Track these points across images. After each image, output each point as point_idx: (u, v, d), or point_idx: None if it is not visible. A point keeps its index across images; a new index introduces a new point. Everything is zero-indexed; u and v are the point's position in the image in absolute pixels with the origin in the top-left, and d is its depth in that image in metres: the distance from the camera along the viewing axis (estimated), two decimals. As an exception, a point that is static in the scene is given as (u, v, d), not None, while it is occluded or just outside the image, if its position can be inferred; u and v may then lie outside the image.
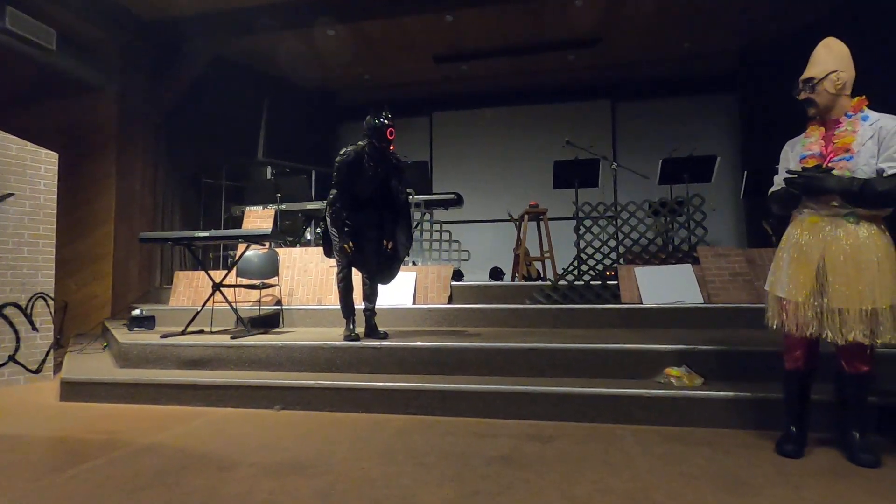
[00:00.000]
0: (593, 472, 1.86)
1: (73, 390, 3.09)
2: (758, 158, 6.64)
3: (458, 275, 5.56)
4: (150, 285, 6.00)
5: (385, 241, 3.35)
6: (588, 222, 4.64)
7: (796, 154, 2.03)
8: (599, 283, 4.32)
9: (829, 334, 1.85)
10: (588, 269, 4.53)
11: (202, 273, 4.38)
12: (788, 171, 1.98)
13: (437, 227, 5.47)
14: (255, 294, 4.38)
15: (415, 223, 5.52)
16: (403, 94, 8.33)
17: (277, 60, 7.13)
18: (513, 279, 5.59)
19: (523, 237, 5.43)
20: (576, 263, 4.57)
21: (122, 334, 3.96)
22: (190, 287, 4.97)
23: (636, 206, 4.63)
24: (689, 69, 7.57)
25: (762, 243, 5.54)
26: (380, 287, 3.55)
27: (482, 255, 6.85)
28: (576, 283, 4.36)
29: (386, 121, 3.15)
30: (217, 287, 3.87)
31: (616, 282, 4.26)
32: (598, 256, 4.59)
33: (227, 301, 3.90)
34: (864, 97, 1.94)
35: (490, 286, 4.70)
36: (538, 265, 5.72)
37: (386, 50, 7.00)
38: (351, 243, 3.24)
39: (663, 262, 4.40)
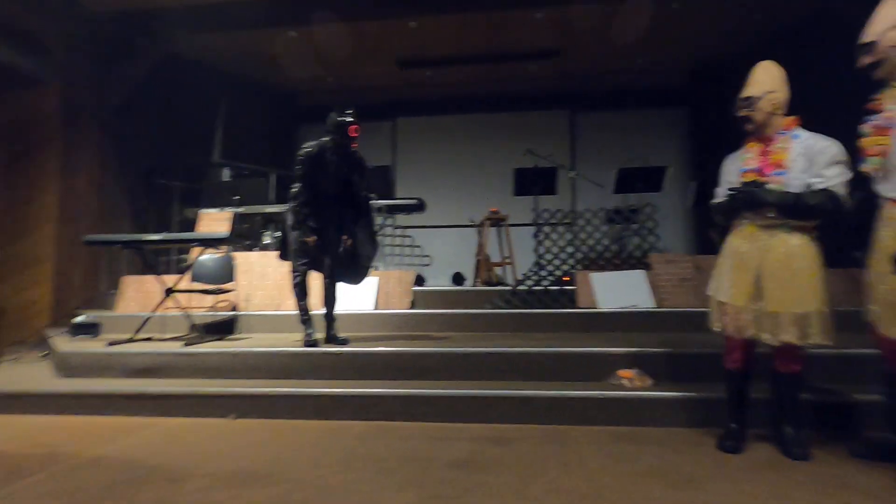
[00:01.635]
0: (549, 472, 1.91)
1: (8, 402, 2.89)
2: (707, 170, 7.00)
3: (420, 280, 5.58)
4: (94, 291, 5.69)
5: (344, 238, 3.33)
6: (547, 229, 4.75)
7: (736, 168, 2.17)
8: (557, 288, 4.44)
9: (765, 336, 1.99)
10: (547, 275, 4.64)
11: (151, 278, 4.21)
12: (730, 187, 2.11)
13: (398, 232, 5.47)
14: (209, 300, 4.24)
15: (377, 228, 5.49)
16: (367, 98, 8.28)
17: (236, 60, 6.94)
18: (474, 284, 5.65)
19: (484, 243, 5.50)
20: (535, 269, 4.67)
21: (63, 342, 3.75)
22: (139, 292, 4.75)
23: (592, 214, 4.78)
24: (643, 83, 7.89)
25: (709, 250, 5.84)
26: (341, 292, 3.53)
27: (444, 260, 6.89)
28: (535, 288, 4.46)
29: (349, 118, 3.16)
30: (169, 292, 3.73)
31: (573, 287, 4.39)
32: (557, 262, 4.71)
33: (179, 307, 3.76)
34: (796, 117, 2.10)
35: (452, 291, 4.74)
36: (499, 270, 5.81)
37: (349, 53, 6.95)
38: (314, 237, 3.20)
39: (617, 267, 4.57)
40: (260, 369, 3.07)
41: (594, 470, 1.93)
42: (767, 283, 2.00)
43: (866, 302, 1.92)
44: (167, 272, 5.71)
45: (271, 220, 6.09)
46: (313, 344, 3.18)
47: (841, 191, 1.94)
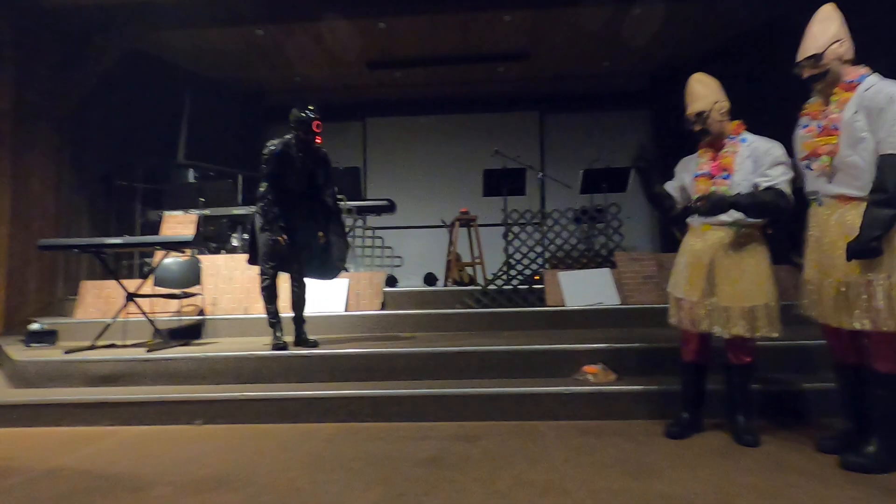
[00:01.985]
0: (515, 467, 1.96)
1: (-43, 415, 2.77)
2: (668, 170, 7.23)
3: (392, 281, 5.58)
4: (51, 297, 5.46)
5: (320, 234, 3.35)
6: (516, 229, 4.83)
7: (690, 172, 2.28)
8: (526, 287, 4.52)
9: (717, 329, 2.10)
10: (516, 274, 4.71)
11: (113, 283, 4.08)
12: (692, 200, 2.21)
13: (369, 233, 5.46)
14: (174, 304, 4.14)
15: (347, 229, 5.47)
16: (336, 97, 8.21)
17: (201, 57, 6.78)
18: (445, 284, 5.68)
19: (455, 243, 5.55)
20: (505, 268, 4.74)
21: (17, 351, 3.59)
22: (99, 298, 4.60)
23: (560, 214, 4.89)
24: (609, 86, 8.09)
25: (671, 248, 6.04)
26: (311, 293, 3.50)
27: (416, 260, 6.90)
28: (504, 287, 4.53)
29: (312, 113, 3.18)
30: (131, 297, 3.63)
31: (542, 286, 4.47)
32: (526, 262, 4.79)
33: (142, 312, 3.66)
34: (741, 122, 2.22)
35: (423, 291, 4.76)
36: (470, 270, 5.87)
37: (318, 52, 6.88)
38: (284, 236, 3.17)
39: (584, 266, 4.68)
40: (227, 374, 3.03)
41: (559, 463, 1.99)
42: (719, 279, 2.11)
43: (802, 297, 2.02)
44: (130, 277, 5.55)
45: (238, 223, 5.99)
46: (282, 347, 3.15)
47: (786, 189, 2.06)
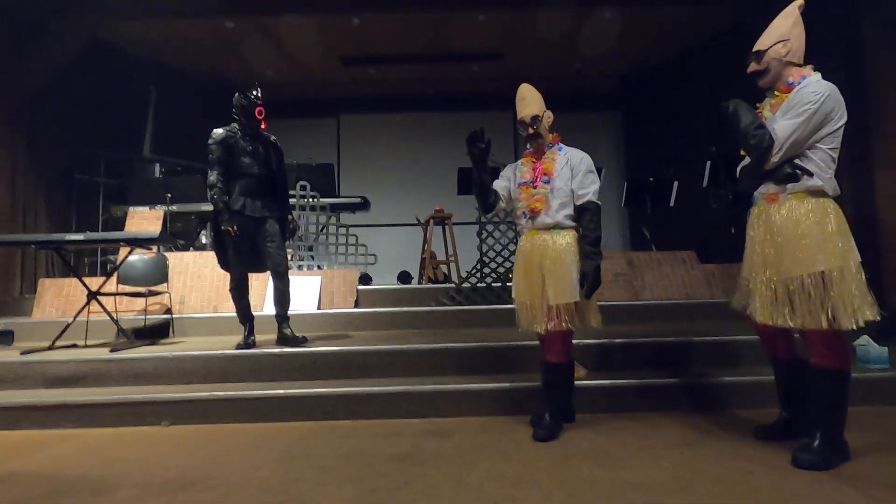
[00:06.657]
0: (487, 460, 1.99)
1: None
2: (638, 170, 7.41)
3: (366, 279, 5.55)
4: (7, 295, 5.23)
5: (290, 218, 3.32)
6: (490, 227, 4.87)
7: (516, 178, 2.41)
8: (500, 284, 4.56)
9: (537, 326, 2.23)
10: (490, 272, 4.76)
11: (74, 281, 3.94)
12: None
13: (343, 230, 5.41)
14: (140, 303, 4.02)
15: (321, 227, 5.42)
16: (309, 93, 8.11)
17: (168, 49, 6.59)
18: (420, 282, 5.69)
19: (429, 241, 5.56)
20: (479, 266, 4.78)
21: (-31, 352, 3.43)
22: (59, 296, 4.42)
23: (533, 213, 4.94)
24: (581, 87, 8.23)
25: (641, 247, 6.20)
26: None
27: (391, 258, 6.89)
28: (478, 285, 4.57)
29: (252, 99, 3.11)
30: (93, 295, 3.51)
31: (515, 283, 4.52)
32: (500, 260, 4.84)
33: (105, 311, 3.54)
34: (556, 133, 2.39)
35: (397, 289, 4.75)
36: (444, 268, 5.88)
37: (290, 47, 6.78)
38: (234, 227, 3.05)
39: (557, 264, 4.75)
40: (196, 373, 2.96)
41: (529, 455, 2.03)
42: (547, 278, 2.22)
43: (737, 294, 2.08)
44: (93, 274, 5.35)
45: (208, 219, 5.85)
46: (246, 347, 3.09)
47: (595, 197, 2.26)
